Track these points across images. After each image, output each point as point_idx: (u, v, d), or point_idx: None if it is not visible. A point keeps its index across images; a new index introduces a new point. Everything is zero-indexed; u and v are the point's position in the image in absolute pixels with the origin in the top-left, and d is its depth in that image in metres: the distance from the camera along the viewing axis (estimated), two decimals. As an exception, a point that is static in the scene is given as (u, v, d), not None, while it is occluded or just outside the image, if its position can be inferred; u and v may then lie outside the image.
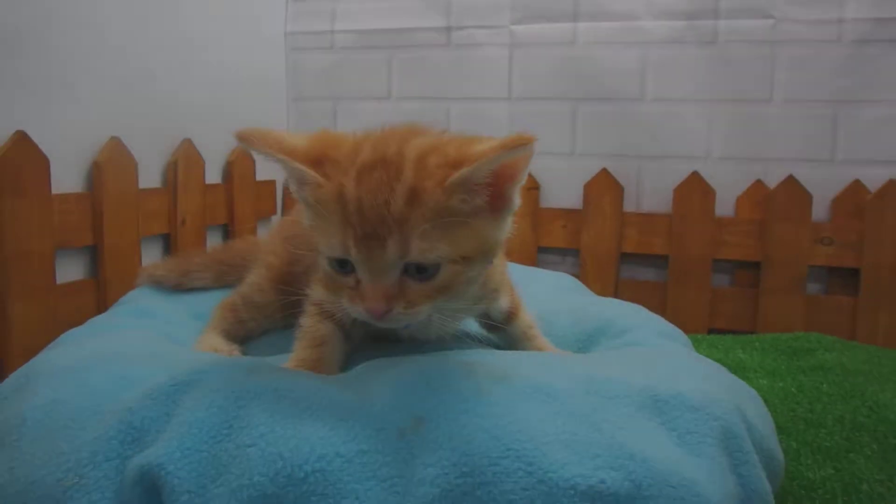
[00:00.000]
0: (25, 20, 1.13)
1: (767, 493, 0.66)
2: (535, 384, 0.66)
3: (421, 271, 0.66)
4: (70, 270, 1.25)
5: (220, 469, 0.56)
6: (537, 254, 1.74)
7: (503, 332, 0.95)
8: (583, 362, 0.79)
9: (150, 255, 1.42)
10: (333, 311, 0.80)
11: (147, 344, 0.86)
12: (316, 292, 0.83)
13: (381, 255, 0.64)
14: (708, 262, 1.61)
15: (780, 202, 1.55)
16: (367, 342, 0.87)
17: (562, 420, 0.62)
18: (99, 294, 1.28)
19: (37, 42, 1.15)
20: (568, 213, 1.71)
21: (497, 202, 0.68)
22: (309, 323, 0.83)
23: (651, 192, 1.66)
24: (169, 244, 1.46)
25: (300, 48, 1.84)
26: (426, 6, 1.75)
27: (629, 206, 1.67)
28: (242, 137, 0.66)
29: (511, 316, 0.95)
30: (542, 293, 1.25)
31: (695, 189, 1.60)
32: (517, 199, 0.71)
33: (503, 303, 0.92)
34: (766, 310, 1.58)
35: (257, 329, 1.02)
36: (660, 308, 1.55)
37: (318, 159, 0.67)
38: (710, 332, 1.59)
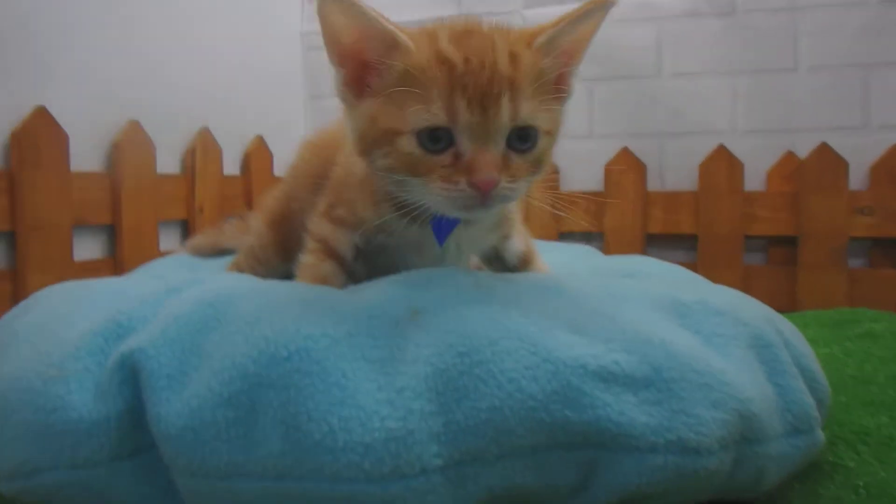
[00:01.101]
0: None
1: (812, 409, 0.60)
2: (543, 283, 0.63)
3: (523, 140, 0.63)
4: (88, 248, 1.26)
5: (204, 357, 0.53)
6: (559, 240, 1.70)
7: None
8: (599, 278, 0.75)
9: (169, 239, 1.42)
10: (337, 247, 0.78)
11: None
12: (320, 226, 0.80)
13: (495, 117, 0.60)
14: (739, 240, 1.54)
15: (813, 172, 1.49)
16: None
17: (571, 310, 0.58)
18: (116, 272, 1.28)
19: (59, 22, 1.18)
20: (590, 195, 1.67)
21: (558, 89, 0.68)
22: (310, 260, 0.80)
23: (675, 169, 1.62)
24: (187, 231, 1.46)
25: (316, 47, 1.86)
26: (437, -4, 1.76)
27: (653, 186, 1.63)
28: None
29: (526, 261, 0.91)
30: (560, 260, 1.21)
31: (721, 163, 1.55)
32: (573, 85, 0.71)
33: (517, 243, 0.89)
34: (806, 287, 1.50)
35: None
36: (690, 287, 1.51)
37: (402, 31, 0.62)
38: (745, 309, 1.51)
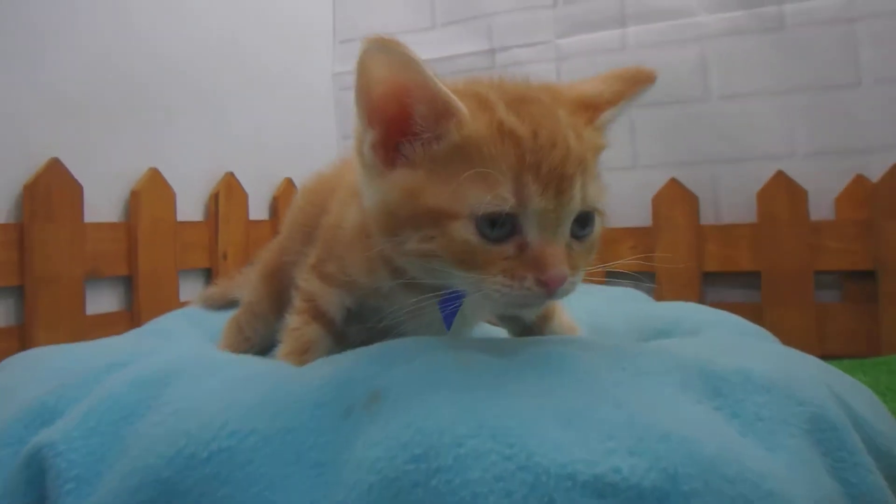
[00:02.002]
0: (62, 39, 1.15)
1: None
2: (543, 355, 0.52)
3: (582, 226, 0.56)
4: (103, 300, 1.22)
5: (122, 453, 0.46)
6: (605, 281, 1.57)
7: (538, 335, 0.81)
8: (618, 343, 0.64)
9: (191, 289, 1.38)
10: (326, 308, 0.70)
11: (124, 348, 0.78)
12: (309, 283, 0.73)
13: (570, 202, 0.52)
14: (808, 276, 1.38)
15: (888, 196, 1.32)
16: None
17: (566, 394, 0.47)
18: (133, 325, 1.24)
19: (73, 72, 1.16)
20: (637, 232, 1.54)
21: None
22: (294, 323, 0.72)
23: (730, 200, 1.47)
24: (210, 278, 1.42)
25: (349, 87, 1.82)
26: (467, 31, 1.69)
27: (707, 219, 1.49)
28: (380, 41, 0.50)
29: (545, 316, 0.80)
30: (596, 304, 1.09)
31: (781, 191, 1.40)
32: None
33: (533, 300, 0.79)
34: (890, 327, 1.32)
35: (260, 342, 0.92)
36: (752, 331, 1.36)
37: (457, 93, 0.55)
38: (824, 357, 1.34)
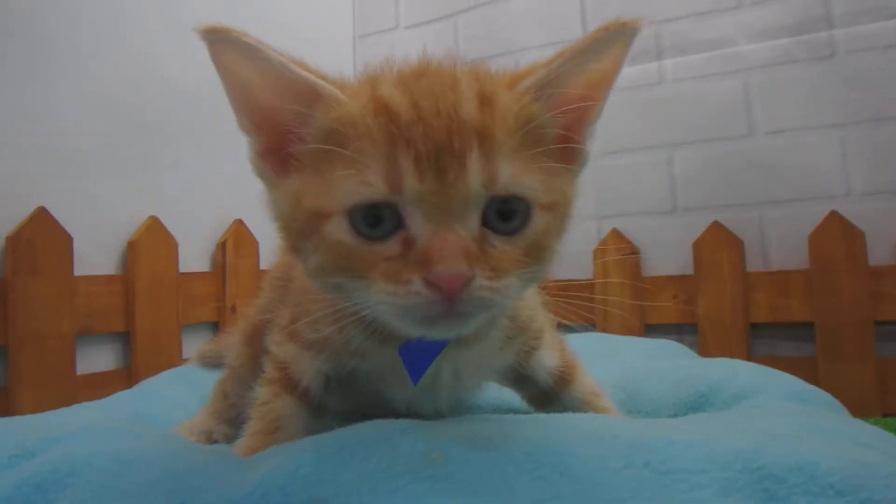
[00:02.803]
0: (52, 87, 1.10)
1: None
2: (533, 447, 0.41)
3: (506, 218, 0.45)
4: (97, 359, 1.14)
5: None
6: (644, 333, 1.44)
7: (554, 402, 0.69)
8: (645, 423, 0.52)
9: (196, 344, 1.29)
10: (300, 377, 0.60)
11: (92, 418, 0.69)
12: (280, 347, 0.64)
13: (458, 182, 0.43)
14: (868, 326, 1.24)
15: (957, 239, 1.18)
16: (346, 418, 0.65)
17: None
18: (130, 384, 1.15)
19: (62, 116, 1.10)
20: (678, 280, 1.42)
21: (566, 151, 0.50)
22: (263, 396, 0.63)
23: (780, 244, 1.34)
24: (217, 333, 1.33)
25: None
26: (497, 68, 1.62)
27: (754, 265, 1.36)
28: (214, 30, 0.45)
29: (564, 378, 0.69)
30: (631, 360, 0.97)
31: (836, 233, 1.26)
32: (589, 149, 0.53)
33: (548, 357, 0.67)
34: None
35: (243, 404, 0.82)
36: (809, 389, 1.20)
37: (323, 77, 0.48)
38: (887, 416, 1.19)
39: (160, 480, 0.42)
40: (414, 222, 0.43)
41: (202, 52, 0.47)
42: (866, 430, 0.56)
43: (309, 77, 0.46)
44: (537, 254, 0.46)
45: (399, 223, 0.43)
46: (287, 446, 0.47)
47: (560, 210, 0.48)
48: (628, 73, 1.47)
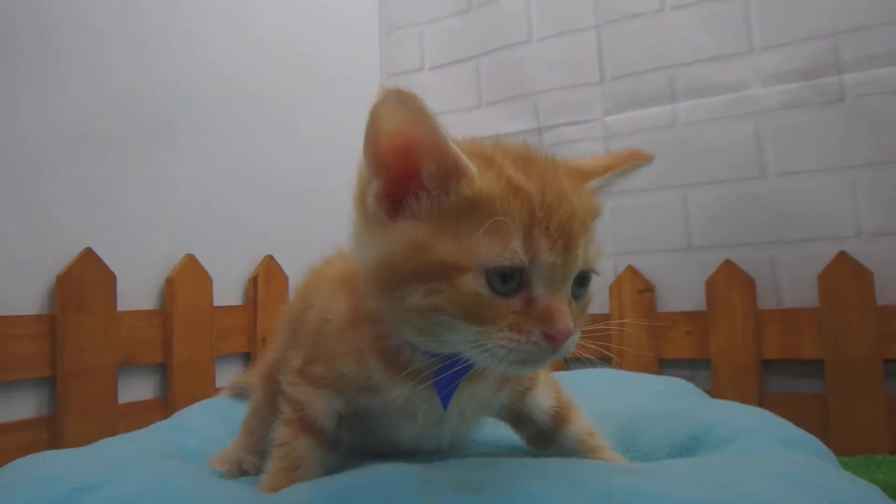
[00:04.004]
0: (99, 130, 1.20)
1: None
2: (506, 499, 0.46)
3: (581, 285, 0.57)
4: (137, 388, 1.22)
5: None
6: (659, 368, 1.48)
7: (553, 442, 0.74)
8: (618, 470, 0.57)
9: (229, 374, 1.37)
10: (315, 417, 0.66)
11: (130, 452, 0.76)
12: (296, 389, 0.69)
13: (575, 260, 0.54)
14: (877, 365, 1.26)
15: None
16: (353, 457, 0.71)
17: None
18: (168, 413, 1.23)
19: (107, 158, 1.20)
20: (690, 317, 1.46)
21: None
22: (282, 437, 0.68)
23: (791, 283, 1.37)
24: (249, 363, 1.41)
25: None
26: (514, 110, 1.69)
27: (765, 303, 1.39)
28: (394, 93, 0.51)
29: (560, 418, 0.74)
30: (638, 399, 1.01)
31: (845, 273, 1.29)
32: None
33: (542, 398, 0.73)
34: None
35: (265, 440, 0.88)
36: (820, 427, 1.23)
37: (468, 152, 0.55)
38: (892, 454, 1.20)
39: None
40: (536, 286, 0.53)
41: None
42: (844, 484, 0.60)
43: (457, 152, 0.53)
44: (586, 310, 0.59)
45: (520, 285, 0.53)
46: (305, 486, 0.53)
47: (599, 274, 0.59)
48: (644, 115, 1.53)
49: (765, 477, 0.55)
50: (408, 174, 0.55)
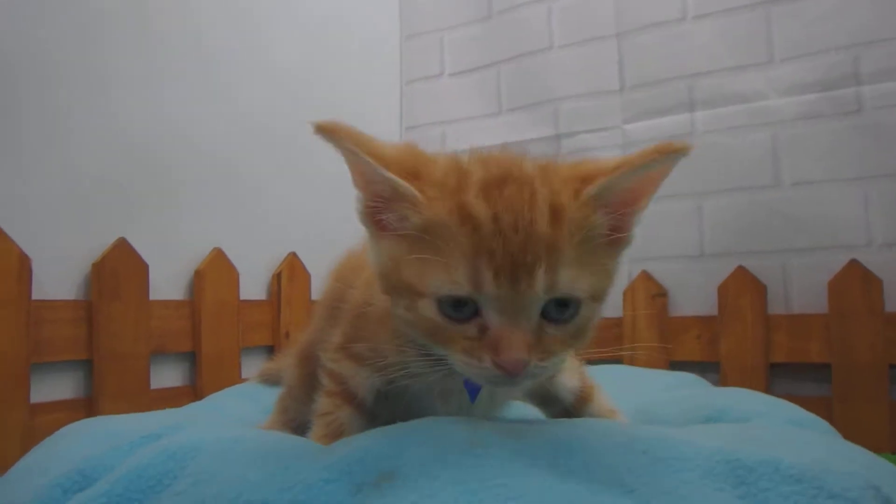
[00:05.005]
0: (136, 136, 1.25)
1: None
2: (552, 438, 0.51)
3: (561, 309, 0.54)
4: (167, 376, 1.27)
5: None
6: (669, 369, 1.51)
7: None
8: (648, 427, 0.61)
9: (253, 366, 1.41)
10: (357, 390, 0.70)
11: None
12: (338, 364, 0.73)
13: (528, 290, 0.51)
14: (883, 370, 1.29)
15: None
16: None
17: (576, 478, 0.46)
18: (195, 399, 1.27)
19: (142, 158, 1.25)
20: (702, 321, 1.49)
21: (613, 233, 0.57)
22: (325, 407, 0.72)
23: (801, 289, 1.41)
24: (272, 356, 1.45)
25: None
26: (534, 117, 1.73)
27: (775, 308, 1.43)
28: (325, 129, 0.53)
29: (583, 398, 0.78)
30: (651, 391, 1.05)
31: (854, 280, 1.33)
32: (634, 231, 0.60)
33: (568, 380, 0.77)
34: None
35: (299, 419, 0.92)
36: (827, 429, 1.26)
37: (414, 174, 0.55)
38: (897, 456, 1.24)
39: (265, 452, 0.53)
40: (489, 315, 0.52)
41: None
42: (845, 445, 0.64)
43: (395, 180, 0.53)
44: (580, 334, 0.56)
45: (476, 311, 0.53)
46: (360, 435, 0.57)
47: (601, 298, 0.57)
48: (662, 123, 1.57)
49: (782, 436, 0.60)
50: (379, 194, 0.56)
